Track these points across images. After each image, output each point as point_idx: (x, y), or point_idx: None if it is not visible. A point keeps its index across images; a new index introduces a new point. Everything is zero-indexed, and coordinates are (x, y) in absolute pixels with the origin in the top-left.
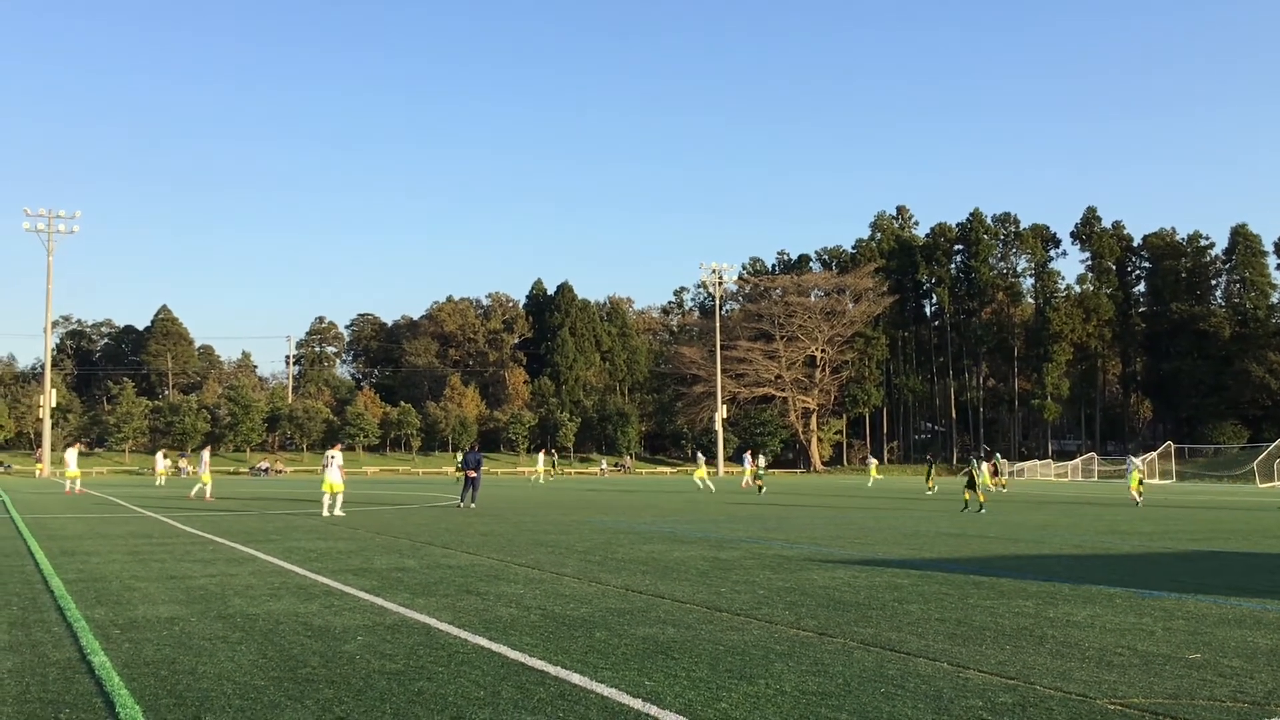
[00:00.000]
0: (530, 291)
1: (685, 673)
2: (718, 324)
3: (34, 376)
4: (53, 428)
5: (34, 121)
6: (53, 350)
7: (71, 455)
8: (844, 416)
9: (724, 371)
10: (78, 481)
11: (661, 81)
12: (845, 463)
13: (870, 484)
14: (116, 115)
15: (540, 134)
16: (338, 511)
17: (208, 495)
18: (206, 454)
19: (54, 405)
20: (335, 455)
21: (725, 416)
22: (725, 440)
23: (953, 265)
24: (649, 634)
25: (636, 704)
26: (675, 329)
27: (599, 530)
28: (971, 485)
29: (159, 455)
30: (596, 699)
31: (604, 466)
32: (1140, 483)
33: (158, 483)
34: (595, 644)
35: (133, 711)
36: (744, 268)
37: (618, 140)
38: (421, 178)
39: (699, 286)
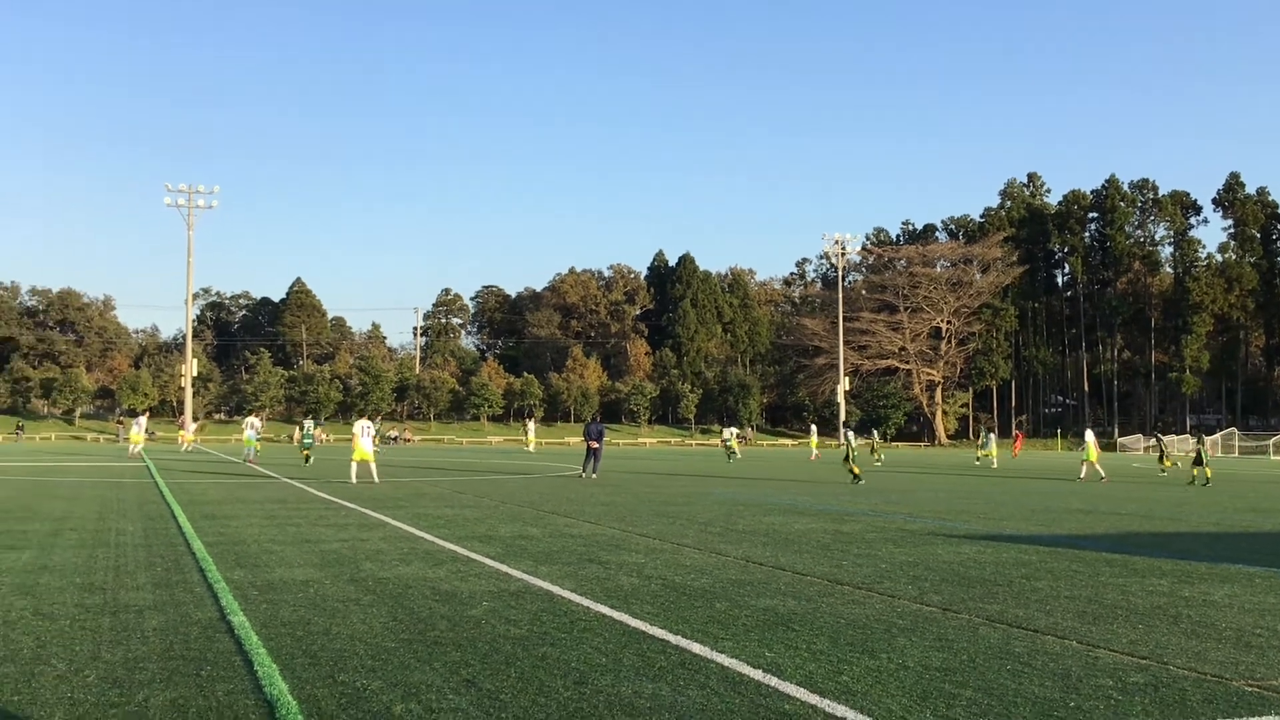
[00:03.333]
0: (652, 263)
1: (806, 645)
2: (840, 295)
3: (176, 347)
4: (194, 396)
5: (174, 101)
6: (194, 321)
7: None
8: (970, 389)
9: (846, 343)
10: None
11: (784, 51)
12: (971, 436)
13: (979, 460)
14: (252, 94)
15: (662, 106)
16: (375, 479)
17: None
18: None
19: (195, 374)
20: (368, 425)
21: (847, 389)
22: (847, 413)
23: (1086, 234)
24: (769, 606)
25: (757, 675)
26: (797, 300)
27: (719, 502)
28: (1199, 461)
29: (246, 423)
30: (717, 669)
31: (725, 437)
32: (1198, 461)
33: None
34: (716, 614)
35: (270, 670)
36: (867, 238)
37: (740, 110)
38: (544, 151)
39: (821, 257)
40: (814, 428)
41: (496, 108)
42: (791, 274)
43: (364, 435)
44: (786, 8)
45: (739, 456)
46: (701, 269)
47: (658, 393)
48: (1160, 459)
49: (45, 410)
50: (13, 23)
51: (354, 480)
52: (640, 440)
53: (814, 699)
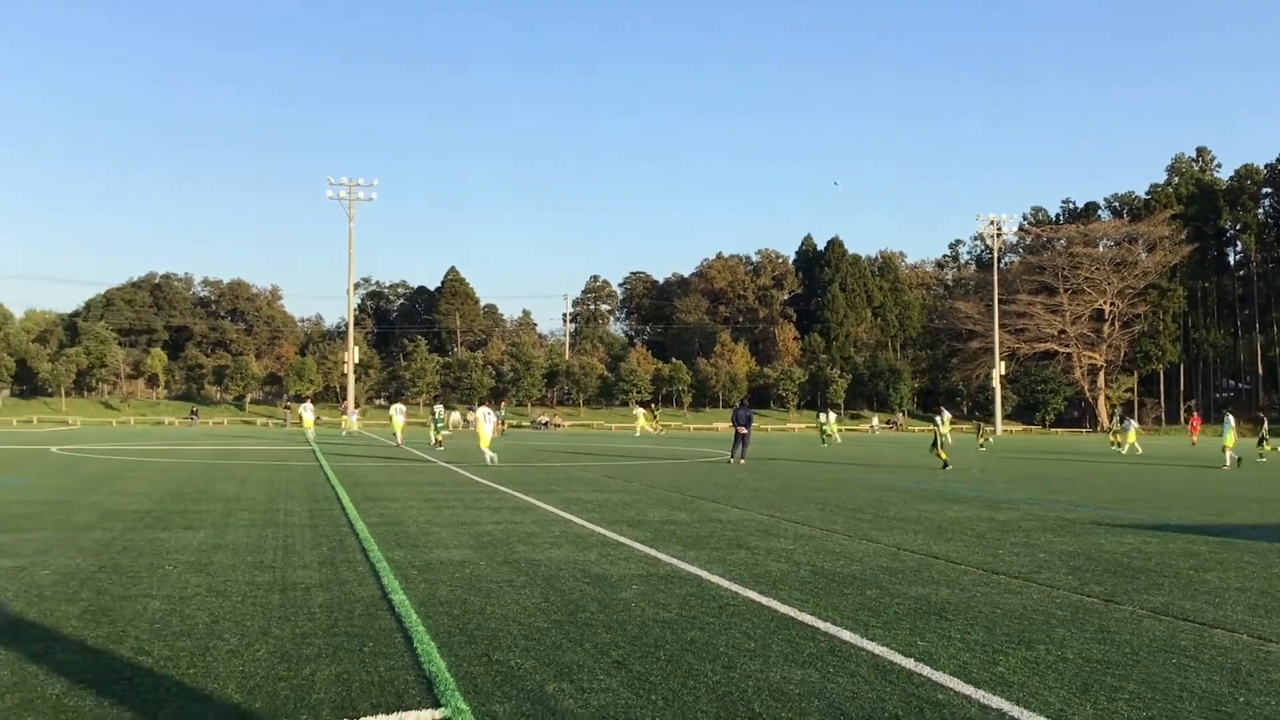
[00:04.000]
0: (800, 247)
1: (960, 635)
2: (995, 277)
3: (339, 335)
4: (355, 382)
5: (337, 101)
6: (355, 310)
7: (353, 412)
8: (1135, 373)
9: (1002, 326)
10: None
11: (935, 34)
12: (1138, 421)
13: (1115, 445)
14: (409, 93)
15: (810, 89)
16: (495, 462)
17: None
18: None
19: (356, 361)
20: (489, 412)
21: (1003, 373)
22: (1004, 398)
23: (1260, 210)
24: (922, 594)
25: (908, 664)
26: (950, 283)
27: (869, 488)
28: None
29: (394, 409)
30: (867, 656)
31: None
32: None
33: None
34: (866, 602)
35: (428, 647)
36: (1024, 218)
37: (888, 92)
38: (691, 138)
39: (975, 239)
40: (945, 412)
41: (644, 99)
42: (944, 256)
43: (486, 421)
44: None
45: (838, 442)
46: (851, 252)
47: (806, 378)
48: (1259, 444)
49: (218, 396)
50: (192, 37)
51: (490, 462)
52: (789, 425)
53: (968, 689)
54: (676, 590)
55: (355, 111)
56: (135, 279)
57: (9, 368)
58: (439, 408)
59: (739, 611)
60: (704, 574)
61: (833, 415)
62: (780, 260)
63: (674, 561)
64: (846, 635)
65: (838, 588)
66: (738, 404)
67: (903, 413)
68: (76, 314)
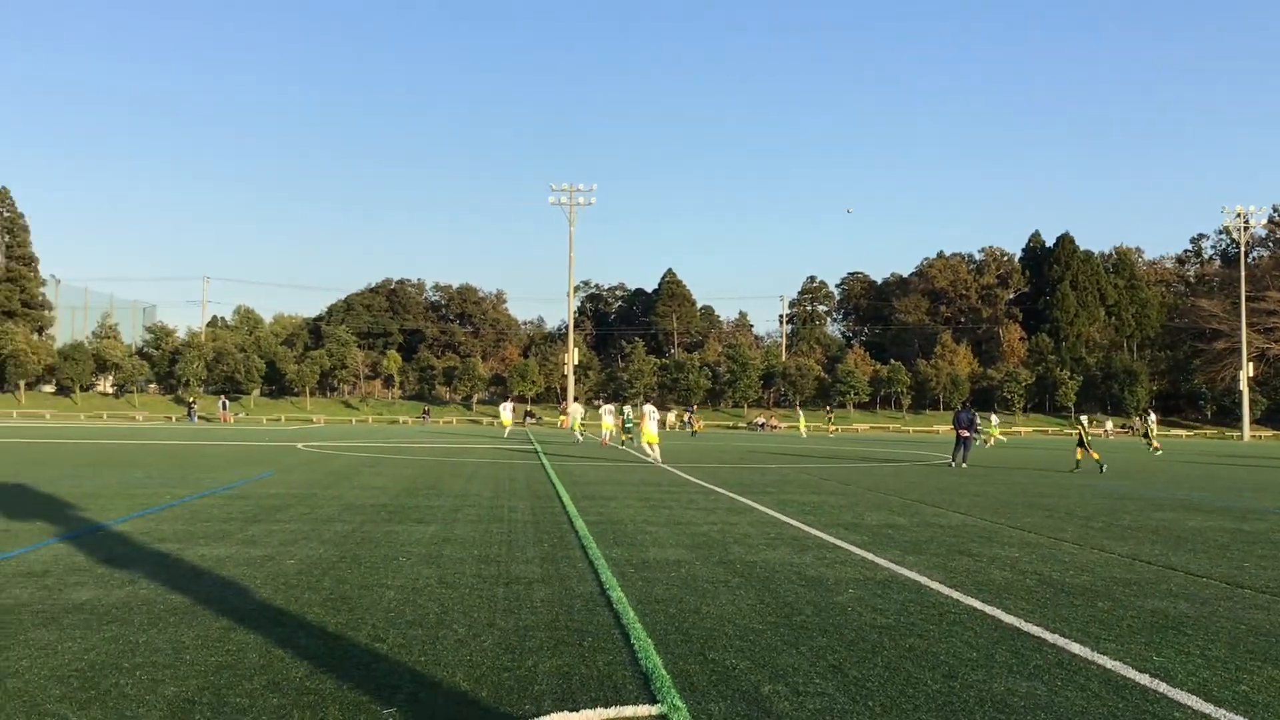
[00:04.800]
0: (1026, 244)
1: (1200, 650)
2: (1243, 273)
3: (559, 336)
4: (575, 383)
5: (558, 109)
6: (575, 312)
7: (576, 409)
8: None
9: (1250, 325)
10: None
11: (1169, 6)
12: None
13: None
14: (626, 99)
15: (1033, 79)
16: (659, 460)
17: (604, 440)
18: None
19: (576, 363)
20: (654, 411)
21: (1251, 375)
22: (1252, 402)
23: None
24: (1158, 607)
25: (1143, 679)
26: (1192, 280)
27: (1101, 494)
28: None
29: (604, 409)
30: (1098, 670)
31: (1108, 428)
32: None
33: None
34: (1097, 614)
35: (645, 644)
36: (1275, 210)
37: (1119, 80)
38: (909, 135)
39: (1220, 233)
40: (1151, 415)
41: (859, 98)
42: (1185, 251)
43: (650, 419)
44: None
45: (990, 445)
46: (1082, 249)
47: (1033, 379)
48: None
49: (447, 396)
50: (428, 56)
51: (658, 462)
52: (1014, 429)
53: (1208, 708)
54: (895, 596)
55: (575, 117)
56: (373, 285)
57: (260, 369)
58: (628, 408)
59: (960, 620)
60: (924, 580)
61: (994, 418)
62: (1005, 258)
63: (892, 566)
64: (1076, 648)
65: (1067, 598)
66: (959, 406)
67: (1139, 416)
68: (320, 318)
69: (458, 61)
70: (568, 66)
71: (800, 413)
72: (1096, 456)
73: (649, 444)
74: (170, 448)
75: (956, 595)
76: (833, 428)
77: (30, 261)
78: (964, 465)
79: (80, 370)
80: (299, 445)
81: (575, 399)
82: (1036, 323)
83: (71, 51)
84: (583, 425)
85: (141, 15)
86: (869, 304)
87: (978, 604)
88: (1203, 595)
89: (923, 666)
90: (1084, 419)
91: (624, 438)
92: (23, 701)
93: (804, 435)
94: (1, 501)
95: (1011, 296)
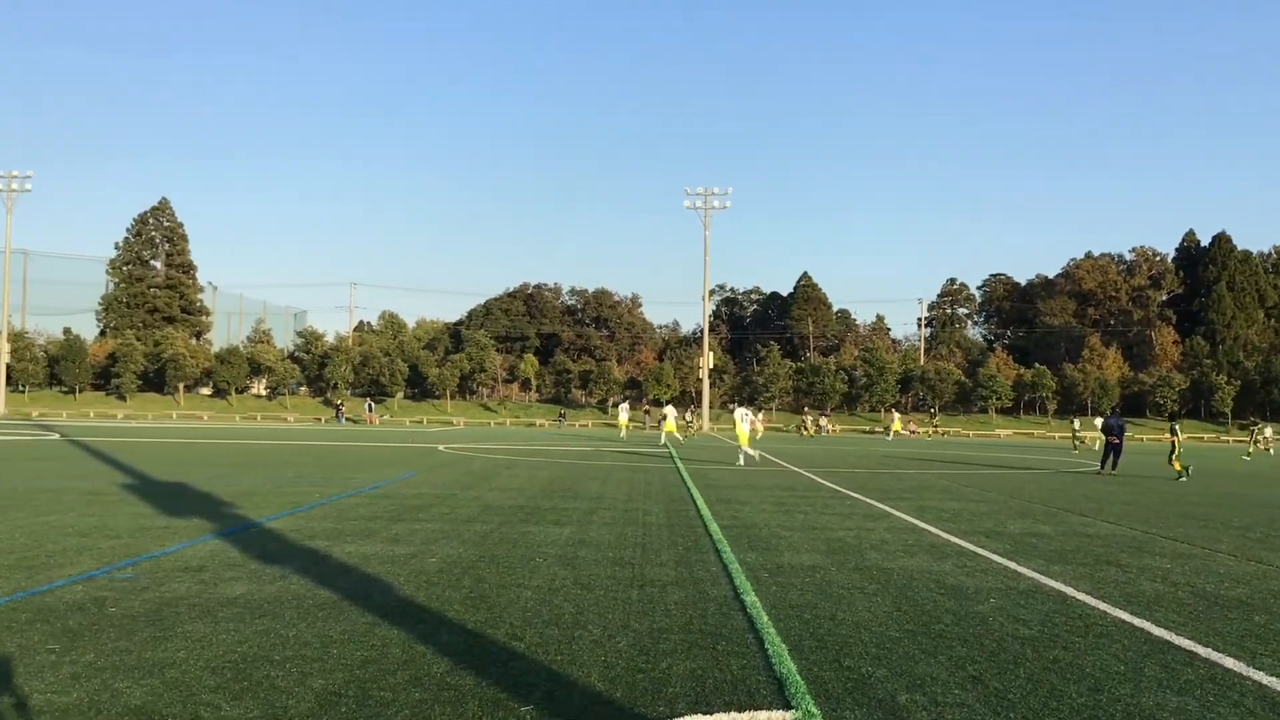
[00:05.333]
0: (1180, 244)
1: None
2: None
3: (694, 340)
4: (710, 387)
5: (693, 110)
6: (709, 316)
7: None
8: None
9: None
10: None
11: None
12: None
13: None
14: (759, 102)
15: (1184, 71)
16: (753, 455)
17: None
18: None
19: (711, 367)
20: (746, 413)
21: None
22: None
23: None
24: None
25: None
26: None
27: (1262, 504)
28: None
29: (739, 414)
30: (1253, 686)
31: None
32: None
33: (620, 434)
34: (1253, 628)
35: (779, 649)
36: None
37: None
38: (1056, 132)
39: None
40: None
41: (998, 94)
42: None
43: (743, 421)
44: None
45: (1090, 448)
46: (1240, 248)
47: (1187, 384)
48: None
49: (583, 399)
50: (567, 64)
51: (747, 461)
52: (1167, 436)
53: None
54: (1038, 606)
55: (709, 119)
56: (510, 289)
57: (403, 372)
58: (740, 410)
59: (1107, 632)
60: (1069, 590)
61: (1077, 421)
62: (1157, 258)
63: (1036, 576)
64: (1230, 663)
65: (1221, 611)
66: (1108, 412)
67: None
68: (460, 323)
69: (591, 67)
70: (704, 67)
71: (896, 415)
72: (1179, 467)
73: (742, 445)
74: (319, 448)
75: (1104, 606)
76: (929, 430)
77: (189, 269)
78: (1114, 473)
79: (235, 373)
80: (440, 447)
81: (626, 400)
82: (1191, 325)
83: (224, 63)
84: (629, 425)
85: (293, 21)
86: (1012, 306)
87: (1126, 616)
88: None
89: (1067, 679)
90: (1177, 427)
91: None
92: (180, 691)
93: (895, 437)
94: (162, 499)
95: (1164, 298)
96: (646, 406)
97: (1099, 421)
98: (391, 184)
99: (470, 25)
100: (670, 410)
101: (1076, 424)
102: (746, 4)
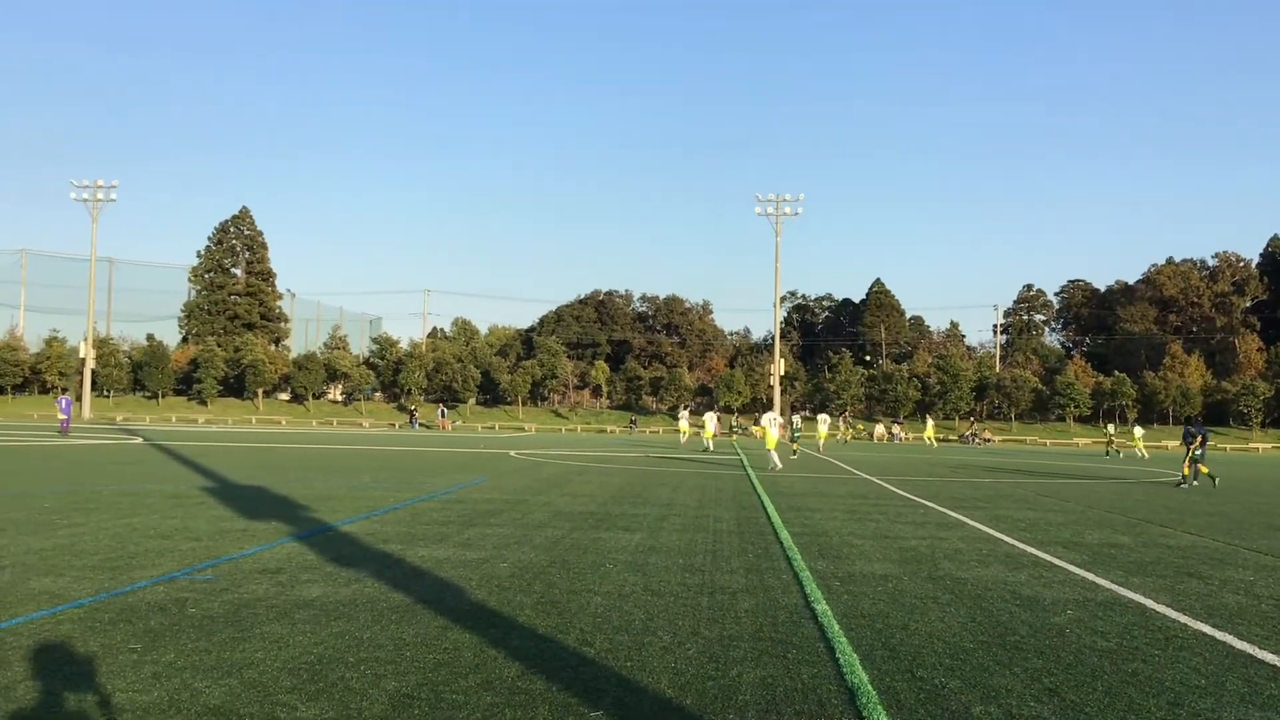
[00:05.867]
0: (1265, 249)
1: None
2: None
3: (766, 347)
4: (781, 394)
5: (768, 115)
6: (781, 323)
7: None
8: None
9: None
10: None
11: None
12: None
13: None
14: (832, 107)
15: (1267, 73)
16: (777, 464)
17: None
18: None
19: (782, 373)
20: (776, 417)
21: None
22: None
23: None
24: None
25: None
26: None
27: None
28: None
29: (820, 419)
30: None
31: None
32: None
33: (682, 440)
34: None
35: (850, 659)
36: None
37: None
38: (1132, 137)
39: None
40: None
41: (1078, 94)
42: None
43: (773, 426)
44: None
45: (1138, 456)
46: None
47: (1272, 393)
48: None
49: (654, 406)
50: (640, 74)
51: (777, 466)
52: (1251, 445)
53: None
54: (1117, 618)
55: (782, 127)
56: (582, 296)
57: (476, 378)
58: (796, 417)
59: (1187, 645)
60: (1148, 602)
61: (1111, 428)
62: (1241, 264)
63: (1114, 587)
64: None
65: None
66: (1188, 421)
67: None
68: (531, 329)
69: (667, 74)
70: (775, 73)
71: (930, 421)
72: (1205, 470)
73: (771, 448)
74: (393, 453)
75: (1184, 619)
76: (849, 433)
77: (268, 277)
78: (1195, 483)
79: (312, 379)
80: (511, 452)
81: (685, 407)
82: (1276, 333)
83: (298, 70)
84: (690, 431)
85: (362, 37)
86: (1090, 313)
87: (1208, 629)
88: None
89: (1146, 693)
90: (1193, 430)
91: (794, 446)
92: (257, 692)
93: (934, 445)
94: (241, 502)
95: (1248, 305)
96: (736, 417)
97: (1138, 430)
98: (465, 194)
99: (549, 33)
100: (711, 417)
101: (1111, 429)
102: (827, 6)
